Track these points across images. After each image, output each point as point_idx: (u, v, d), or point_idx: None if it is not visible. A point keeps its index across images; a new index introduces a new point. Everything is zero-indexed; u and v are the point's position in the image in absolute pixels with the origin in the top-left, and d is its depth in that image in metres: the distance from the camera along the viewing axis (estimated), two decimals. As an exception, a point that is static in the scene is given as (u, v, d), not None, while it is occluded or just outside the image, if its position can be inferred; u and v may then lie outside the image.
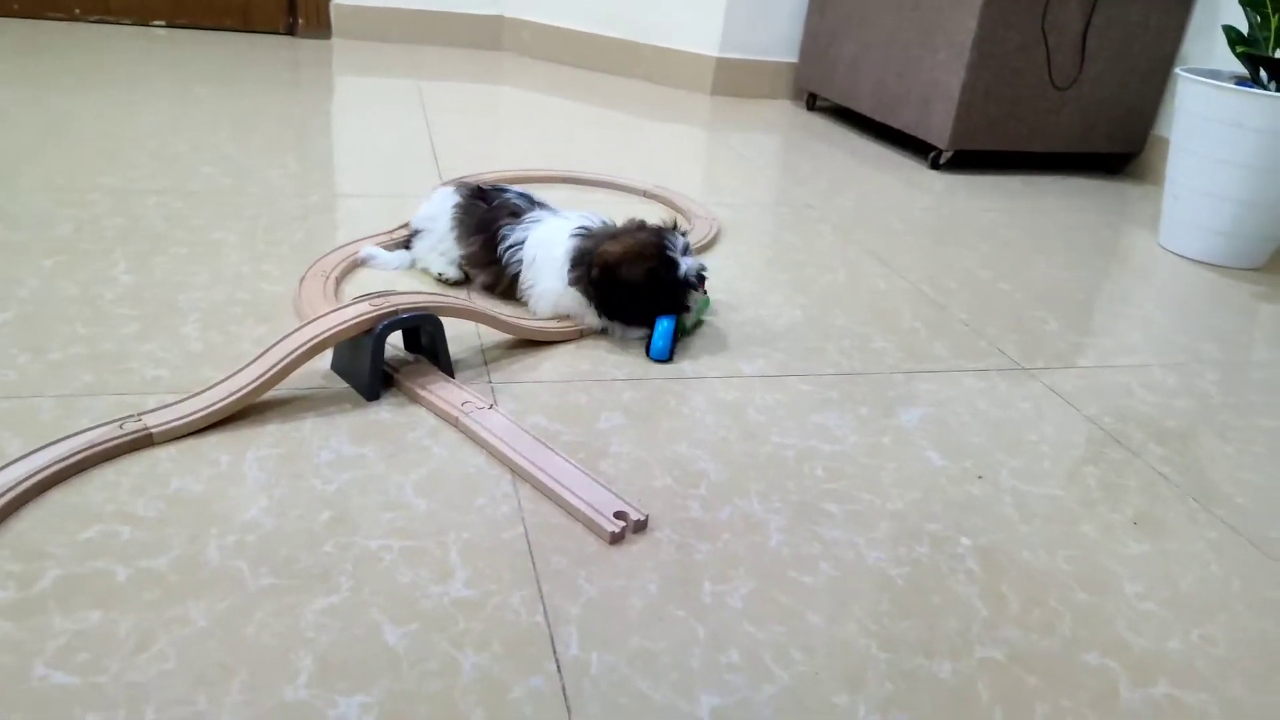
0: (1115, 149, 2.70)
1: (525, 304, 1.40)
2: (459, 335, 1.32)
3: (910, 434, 1.20)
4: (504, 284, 1.41)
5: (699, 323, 1.42)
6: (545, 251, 1.37)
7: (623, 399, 1.20)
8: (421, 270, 1.49)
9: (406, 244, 1.53)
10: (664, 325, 1.30)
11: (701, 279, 1.36)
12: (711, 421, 1.17)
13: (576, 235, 1.36)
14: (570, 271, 1.33)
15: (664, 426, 1.15)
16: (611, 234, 1.37)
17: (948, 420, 1.24)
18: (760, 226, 1.97)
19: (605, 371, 1.27)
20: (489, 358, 1.27)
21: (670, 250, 1.32)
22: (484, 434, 1.06)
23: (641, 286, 1.29)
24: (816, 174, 2.40)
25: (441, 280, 1.46)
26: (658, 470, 1.06)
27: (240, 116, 2.23)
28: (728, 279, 1.64)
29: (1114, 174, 2.77)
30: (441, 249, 1.47)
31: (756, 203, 2.13)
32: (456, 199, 1.47)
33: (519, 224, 1.40)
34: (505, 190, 1.49)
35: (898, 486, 1.09)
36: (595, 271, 1.31)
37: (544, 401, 1.18)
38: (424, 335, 1.21)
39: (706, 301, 1.42)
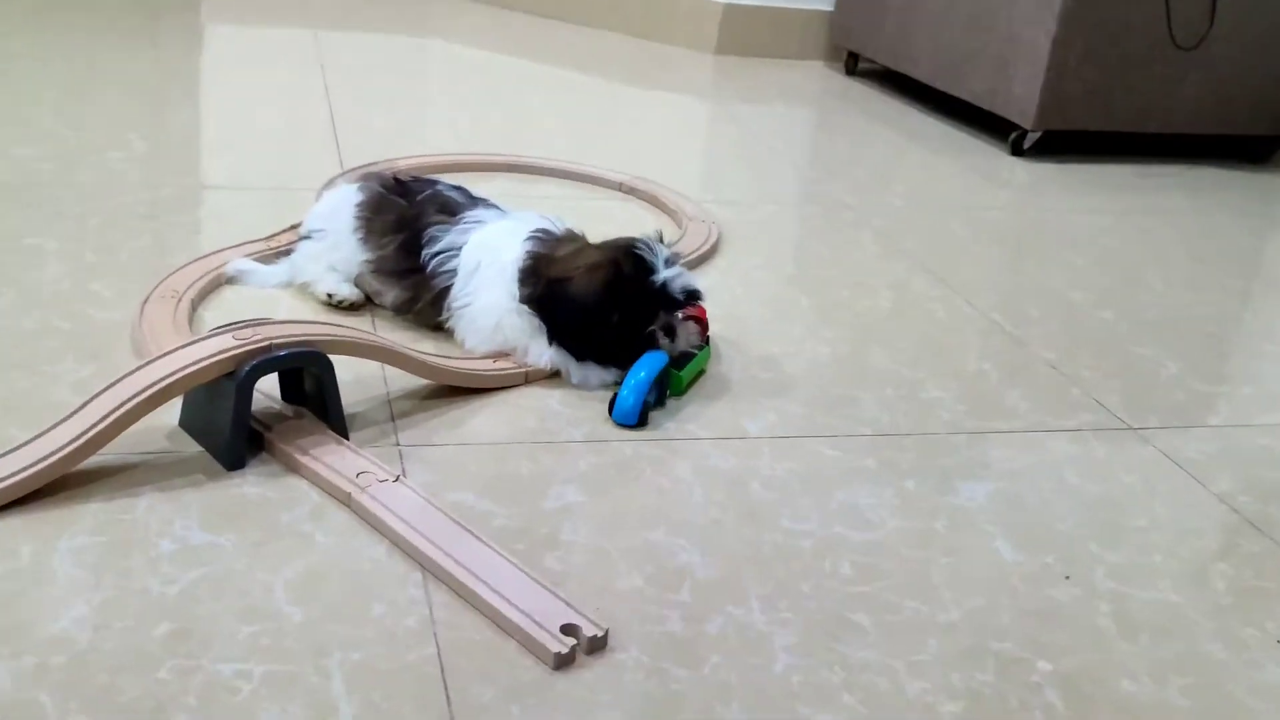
0: (1260, 130, 2.74)
1: (450, 331, 1.41)
2: (358, 379, 1.32)
3: (973, 517, 1.20)
4: (425, 300, 1.42)
5: (697, 375, 1.42)
6: (491, 257, 1.39)
7: (579, 468, 1.20)
8: (303, 288, 1.50)
9: (291, 254, 1.55)
10: (640, 374, 1.30)
11: (692, 300, 1.37)
12: (700, 499, 1.17)
13: (534, 239, 1.39)
14: (521, 286, 1.35)
15: (635, 506, 1.15)
16: (572, 243, 1.39)
17: (1024, 498, 1.25)
18: (777, 232, 1.98)
19: (557, 430, 1.27)
20: (398, 411, 1.27)
21: (642, 251, 1.34)
22: (386, 516, 1.06)
23: (598, 302, 1.31)
24: (855, 161, 2.41)
25: (331, 304, 1.47)
26: (624, 566, 1.05)
27: (71, 79, 2.24)
28: (729, 303, 1.64)
29: (1259, 163, 2.82)
30: (334, 259, 1.48)
31: (773, 200, 2.13)
32: (363, 194, 1.49)
33: (454, 224, 1.42)
34: (434, 182, 1.51)
35: (954, 590, 1.09)
36: (540, 285, 1.34)
37: (472, 472, 1.17)
38: (308, 380, 1.21)
39: (706, 352, 1.43)
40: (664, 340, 1.36)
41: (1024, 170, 2.52)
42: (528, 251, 1.37)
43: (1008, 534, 1.18)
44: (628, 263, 1.33)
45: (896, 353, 1.56)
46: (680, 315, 1.38)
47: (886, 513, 1.19)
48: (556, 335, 1.35)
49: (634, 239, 1.37)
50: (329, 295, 1.47)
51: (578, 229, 1.44)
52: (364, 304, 1.49)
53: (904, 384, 1.47)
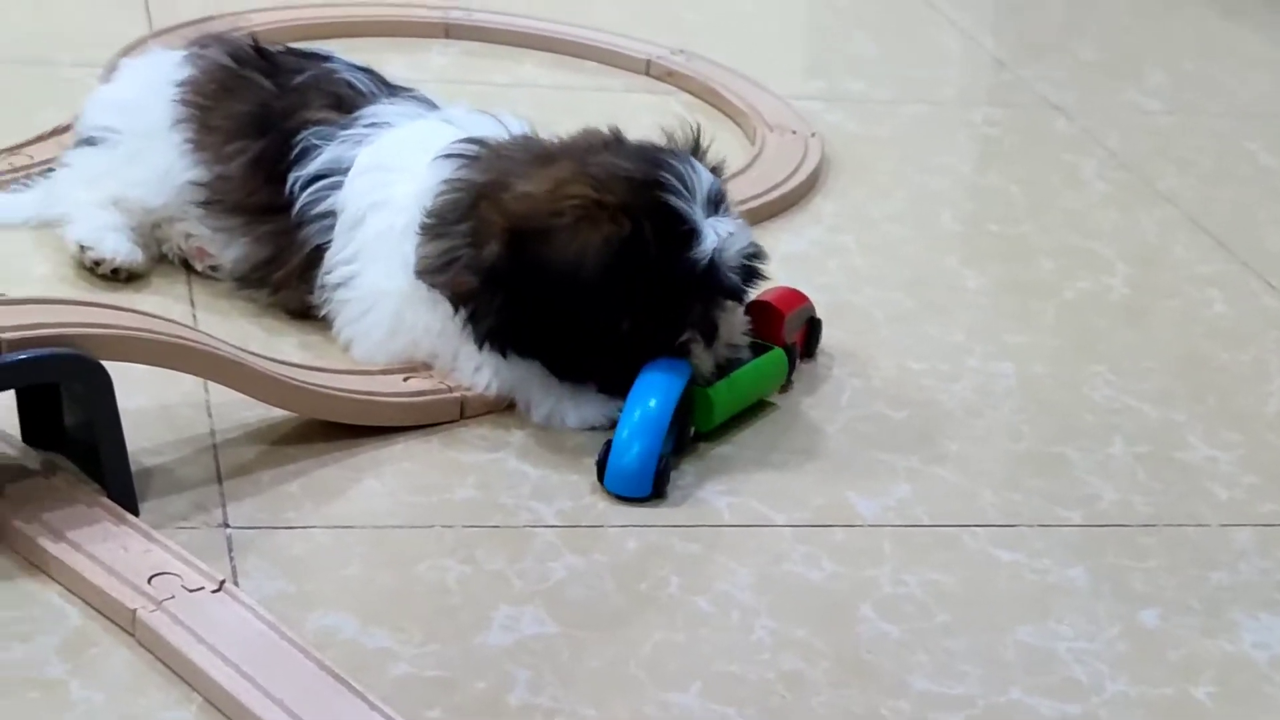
0: None
1: (331, 324, 1.43)
2: (162, 408, 1.32)
3: (1265, 677, 1.18)
4: (293, 265, 1.44)
5: (749, 401, 1.42)
6: (383, 192, 1.39)
7: (550, 574, 1.20)
8: (61, 234, 1.51)
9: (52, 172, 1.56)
10: (648, 404, 1.30)
11: (753, 280, 1.37)
12: (767, 634, 1.16)
13: (451, 158, 1.38)
14: (427, 242, 1.35)
15: (648, 644, 1.14)
16: (531, 156, 1.38)
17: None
18: (929, 155, 1.96)
19: (513, 504, 1.27)
20: (229, 466, 1.28)
21: (674, 197, 1.33)
22: (199, 655, 1.05)
23: (604, 290, 1.31)
24: (1079, 30, 2.40)
25: (90, 267, 1.48)
26: (625, 757, 1.03)
27: None
28: (837, 282, 1.63)
29: None
30: (128, 179, 1.49)
31: (926, 96, 2.13)
32: (194, 68, 1.51)
33: (344, 126, 1.43)
34: (325, 58, 1.53)
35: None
36: (491, 246, 1.32)
37: (356, 578, 1.17)
38: (68, 407, 1.21)
39: (772, 360, 1.42)
40: (698, 349, 1.35)
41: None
42: (441, 183, 1.36)
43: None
44: (651, 218, 1.32)
45: (1135, 377, 1.53)
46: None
47: (1107, 666, 1.16)
48: (517, 339, 1.34)
49: (656, 159, 1.35)
50: (82, 248, 1.47)
51: (535, 135, 1.44)
52: (147, 271, 1.51)
53: (1147, 434, 1.45)
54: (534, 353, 1.35)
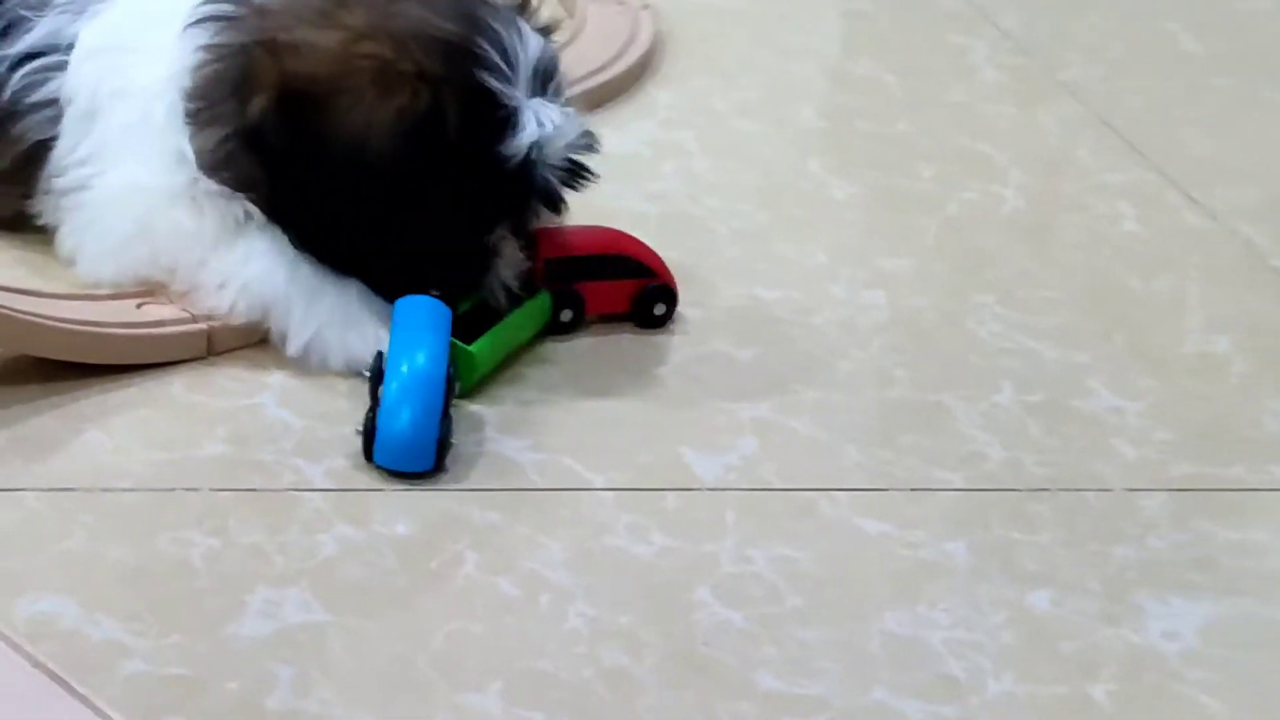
0: None
1: (50, 234, 1.44)
2: None
3: (1172, 672, 1.19)
4: (2, 166, 1.44)
5: (515, 345, 1.44)
6: (124, 77, 1.40)
7: (320, 549, 1.19)
8: None
9: None
10: (414, 359, 1.29)
11: (575, 174, 1.39)
12: (582, 621, 1.16)
13: (204, 22, 1.38)
14: (199, 132, 1.36)
15: (439, 633, 1.13)
16: (312, 8, 1.38)
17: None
18: (784, 35, 1.98)
19: (274, 460, 1.27)
20: None
21: (490, 68, 1.34)
22: None
23: (386, 164, 1.33)
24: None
25: None
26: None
27: None
28: (673, 190, 1.65)
29: None
30: None
31: None
32: None
33: (50, 3, 1.43)
34: None
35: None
36: (262, 102, 1.33)
37: (74, 552, 1.16)
38: None
39: (540, 305, 1.44)
40: (510, 249, 1.39)
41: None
42: (203, 50, 1.37)
43: (1226, 694, 1.17)
44: (459, 94, 1.33)
45: (1030, 310, 1.55)
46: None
47: (989, 661, 1.18)
48: (294, 216, 1.36)
49: (475, 19, 1.36)
50: None
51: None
52: None
53: (1043, 380, 1.47)
54: (307, 240, 1.37)
